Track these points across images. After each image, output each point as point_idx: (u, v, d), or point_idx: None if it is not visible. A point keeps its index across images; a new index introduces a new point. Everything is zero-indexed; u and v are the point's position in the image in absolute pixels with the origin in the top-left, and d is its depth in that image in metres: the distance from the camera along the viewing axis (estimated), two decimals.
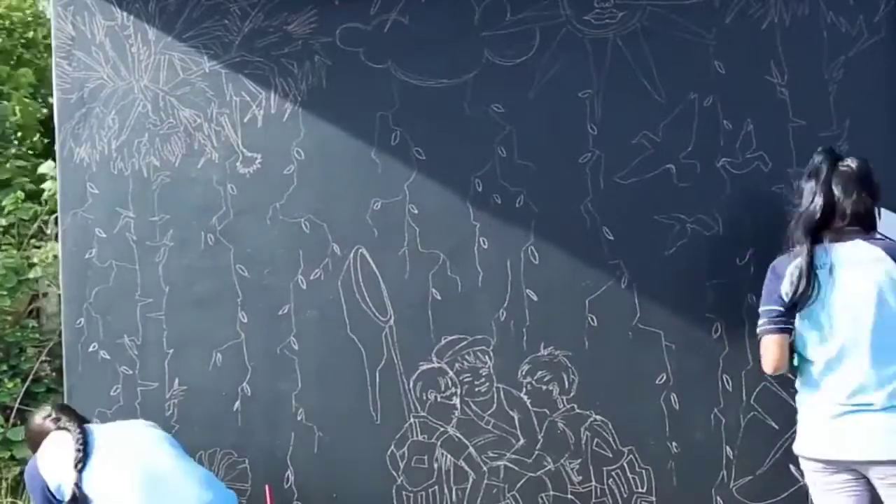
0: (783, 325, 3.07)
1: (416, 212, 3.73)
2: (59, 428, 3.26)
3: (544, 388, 3.68)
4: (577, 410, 3.66)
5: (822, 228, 3.03)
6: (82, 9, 3.86)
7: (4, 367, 5.85)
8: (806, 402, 3.09)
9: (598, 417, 3.66)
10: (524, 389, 3.69)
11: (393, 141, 3.74)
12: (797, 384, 3.15)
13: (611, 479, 3.66)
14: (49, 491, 3.10)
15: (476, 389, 3.70)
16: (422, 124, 3.73)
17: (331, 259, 3.75)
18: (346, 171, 3.76)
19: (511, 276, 3.69)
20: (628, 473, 3.65)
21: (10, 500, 5.37)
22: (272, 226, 3.78)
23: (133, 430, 3.29)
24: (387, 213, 3.74)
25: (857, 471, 2.96)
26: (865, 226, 3.04)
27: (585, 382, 3.66)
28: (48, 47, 7.40)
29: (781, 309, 3.07)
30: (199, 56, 3.83)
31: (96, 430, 3.25)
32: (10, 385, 5.72)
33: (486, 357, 3.70)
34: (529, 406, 3.68)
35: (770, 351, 3.10)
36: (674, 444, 3.61)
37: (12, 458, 5.56)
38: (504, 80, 3.71)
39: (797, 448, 3.11)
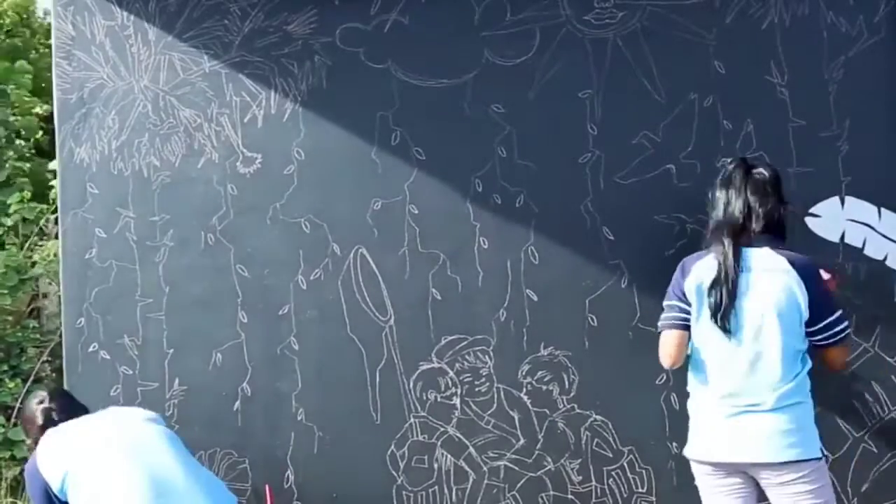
0: (683, 322, 3.16)
1: (416, 212, 3.73)
2: (52, 424, 3.24)
3: (544, 388, 3.68)
4: (578, 410, 3.66)
5: (741, 233, 3.08)
6: (82, 9, 3.86)
7: (5, 368, 5.85)
8: (698, 404, 3.15)
9: (598, 417, 3.66)
10: (524, 389, 3.69)
11: (393, 141, 3.74)
12: (689, 386, 3.19)
13: (611, 479, 3.66)
14: (51, 490, 3.07)
15: (476, 389, 3.70)
16: (422, 124, 3.73)
17: (331, 259, 3.75)
18: (346, 171, 3.76)
19: (511, 276, 3.69)
20: (628, 473, 3.65)
21: (10, 500, 5.36)
22: (272, 226, 3.77)
23: (135, 427, 3.23)
24: (387, 213, 3.74)
25: (746, 473, 3.04)
26: (775, 233, 3.11)
27: (585, 382, 3.66)
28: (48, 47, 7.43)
29: (683, 305, 3.15)
30: (199, 56, 3.83)
31: (95, 421, 3.23)
32: (11, 385, 5.73)
33: (487, 357, 3.70)
34: (529, 406, 3.68)
35: (669, 346, 3.20)
36: (674, 444, 3.60)
37: (13, 457, 5.56)
38: (504, 80, 3.70)
39: (688, 451, 3.18)
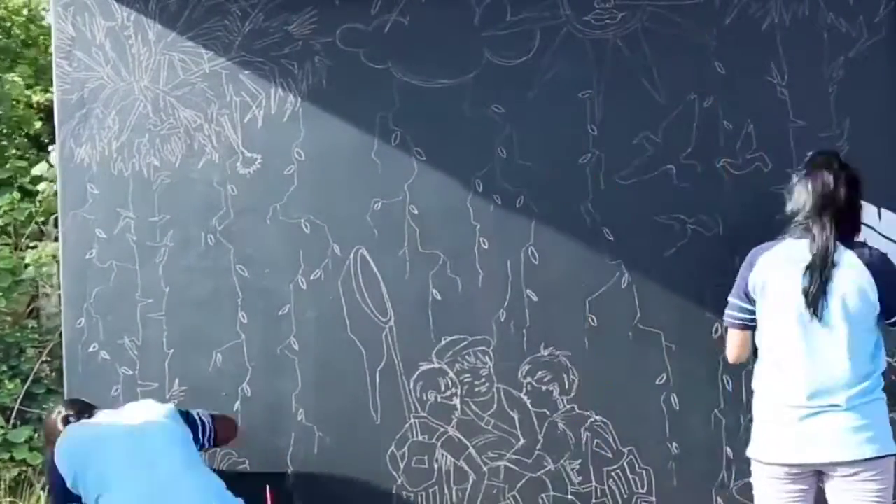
0: (745, 322, 3.16)
1: (416, 212, 3.73)
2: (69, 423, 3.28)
3: (544, 388, 3.68)
4: (578, 411, 3.66)
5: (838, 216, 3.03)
6: (82, 9, 3.86)
7: (4, 368, 5.84)
8: (767, 404, 3.10)
9: (599, 418, 3.66)
10: (524, 390, 3.69)
11: (393, 141, 3.74)
12: (755, 384, 3.17)
13: (611, 480, 3.66)
14: (66, 486, 3.11)
15: (476, 390, 3.71)
16: (422, 124, 3.73)
17: (331, 259, 3.75)
18: (346, 171, 3.76)
19: (511, 277, 3.69)
20: (628, 474, 3.65)
21: (9, 500, 5.36)
22: (272, 226, 3.77)
23: (144, 427, 3.23)
24: (387, 213, 3.74)
25: (816, 476, 3.00)
26: (850, 232, 3.07)
27: (585, 383, 3.66)
28: (47, 47, 7.42)
29: (745, 305, 3.14)
30: (199, 56, 3.83)
31: (108, 419, 3.25)
32: (10, 386, 5.72)
33: (487, 357, 3.70)
34: (529, 406, 3.68)
35: (735, 345, 3.22)
36: (674, 444, 3.61)
37: (12, 459, 5.56)
38: (504, 80, 3.70)
39: (756, 453, 3.12)
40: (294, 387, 3.75)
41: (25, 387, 5.75)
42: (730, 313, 3.20)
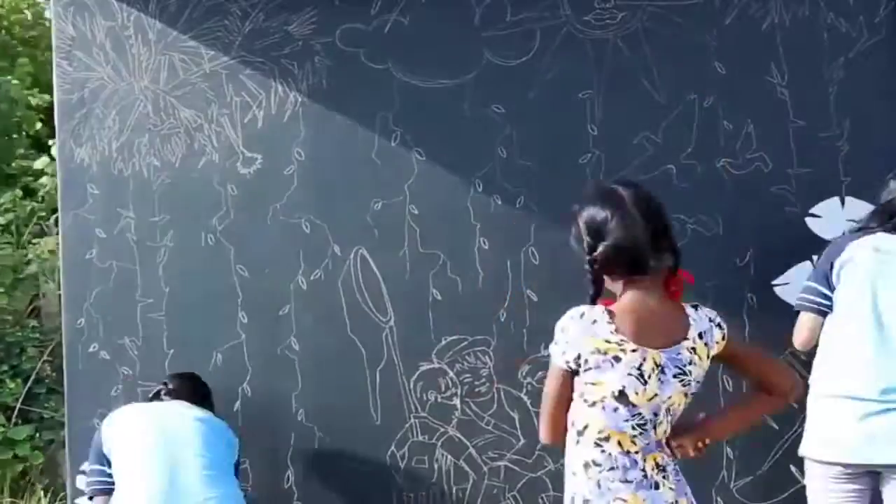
0: (823, 308, 3.09)
1: (416, 212, 3.73)
2: (157, 397, 3.41)
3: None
4: None
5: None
6: (82, 9, 3.86)
7: (5, 368, 5.85)
8: (827, 399, 3.00)
9: None
10: (524, 390, 3.69)
11: (393, 141, 3.74)
12: (813, 377, 3.09)
13: None
14: (103, 451, 3.22)
15: (476, 390, 3.70)
16: (422, 124, 3.73)
17: (331, 259, 3.75)
18: (346, 171, 3.76)
19: (511, 276, 3.69)
20: None
21: (9, 500, 5.37)
22: (272, 226, 3.77)
23: (176, 427, 3.26)
24: (387, 213, 3.74)
25: (871, 476, 2.89)
26: None
27: None
28: (48, 46, 7.44)
29: (825, 291, 3.08)
30: (199, 56, 3.83)
31: (145, 414, 3.31)
32: (11, 385, 5.73)
33: (487, 357, 3.70)
34: (530, 406, 3.67)
35: (804, 328, 3.15)
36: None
37: (15, 457, 5.57)
38: (504, 80, 3.70)
39: (809, 451, 3.03)
40: (294, 387, 3.75)
41: (27, 386, 5.76)
42: (806, 296, 3.14)
